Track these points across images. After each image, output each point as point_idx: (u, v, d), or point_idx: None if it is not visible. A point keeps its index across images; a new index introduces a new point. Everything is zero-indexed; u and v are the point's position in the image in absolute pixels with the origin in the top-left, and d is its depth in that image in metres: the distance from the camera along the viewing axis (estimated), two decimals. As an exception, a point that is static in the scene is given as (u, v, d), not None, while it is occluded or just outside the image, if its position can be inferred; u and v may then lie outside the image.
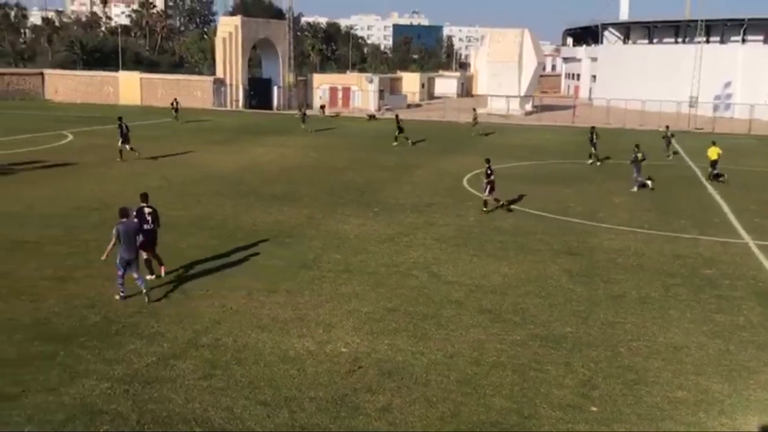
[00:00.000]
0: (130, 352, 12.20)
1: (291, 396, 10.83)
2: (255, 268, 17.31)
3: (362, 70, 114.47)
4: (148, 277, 15.90)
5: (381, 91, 77.59)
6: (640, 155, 29.84)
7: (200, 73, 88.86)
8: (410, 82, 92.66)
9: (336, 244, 19.73)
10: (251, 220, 22.38)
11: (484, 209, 24.40)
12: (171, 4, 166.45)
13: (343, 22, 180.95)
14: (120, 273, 14.63)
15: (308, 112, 58.47)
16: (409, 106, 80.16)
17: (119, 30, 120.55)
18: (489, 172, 24.51)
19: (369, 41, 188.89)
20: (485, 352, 12.71)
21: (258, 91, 72.15)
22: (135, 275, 14.67)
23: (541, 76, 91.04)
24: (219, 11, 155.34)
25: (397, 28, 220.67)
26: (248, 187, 27.92)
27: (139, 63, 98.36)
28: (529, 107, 73.59)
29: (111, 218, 21.72)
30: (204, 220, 22.21)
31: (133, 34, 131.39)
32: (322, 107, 68.16)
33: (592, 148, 37.54)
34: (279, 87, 73.22)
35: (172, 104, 58.13)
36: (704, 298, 16.00)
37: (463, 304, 15.20)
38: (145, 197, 16.39)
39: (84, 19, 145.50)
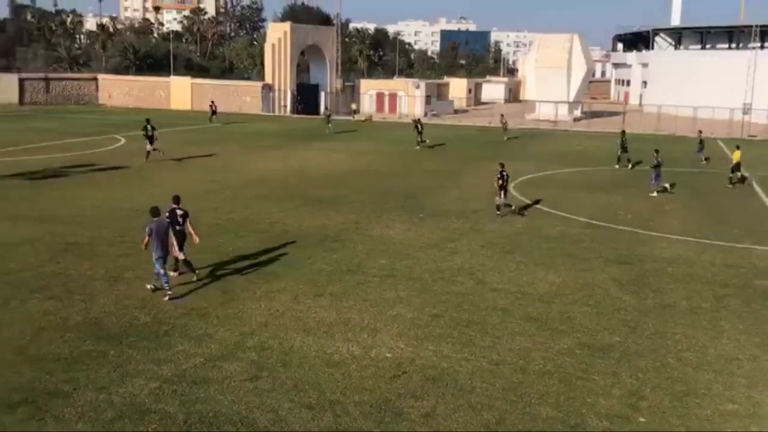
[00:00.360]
0: (178, 353, 12.39)
1: (335, 399, 10.88)
2: (301, 271, 17.44)
3: (409, 76, 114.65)
4: (194, 278, 16.20)
5: (428, 97, 77.56)
6: (660, 160, 30.11)
7: (249, 79, 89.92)
8: (457, 87, 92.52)
9: (381, 249, 19.77)
10: (298, 223, 22.56)
11: (498, 213, 24.39)
12: (222, 10, 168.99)
13: (391, 28, 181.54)
14: (161, 272, 15.07)
15: (355, 116, 58.71)
16: (455, 111, 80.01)
17: (171, 36, 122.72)
18: (501, 175, 24.45)
19: (416, 47, 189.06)
20: (531, 360, 12.60)
21: (305, 97, 72.73)
22: (161, 271, 15.10)
23: (591, 81, 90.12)
24: (269, 18, 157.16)
25: (445, 34, 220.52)
26: (295, 192, 28.16)
27: (190, 68, 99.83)
28: (577, 113, 72.81)
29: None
30: (252, 223, 22.47)
31: (184, 40, 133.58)
32: (355, 112, 68.62)
33: (621, 152, 38.22)
34: (326, 92, 73.71)
35: (210, 106, 60.10)
36: (757, 309, 15.62)
37: (509, 311, 15.09)
38: (177, 200, 16.70)
39: (137, 25, 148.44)
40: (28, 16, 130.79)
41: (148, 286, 15.51)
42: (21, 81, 72.78)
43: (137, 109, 70.70)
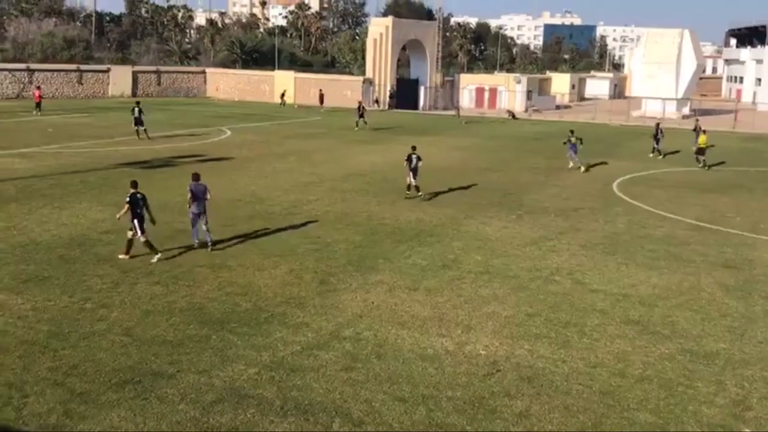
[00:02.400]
0: (276, 340, 12.71)
1: (429, 394, 10.90)
2: (397, 265, 17.55)
3: (510, 71, 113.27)
4: (154, 259, 17.11)
5: (529, 92, 76.43)
6: (573, 139, 34.17)
7: (350, 73, 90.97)
8: (560, 82, 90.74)
9: (477, 246, 19.65)
10: (394, 217, 22.69)
11: (407, 193, 25.68)
12: (326, 5, 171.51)
13: (493, 22, 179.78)
14: (194, 226, 18.18)
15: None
16: (557, 107, 78.53)
17: (276, 31, 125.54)
18: (409, 158, 25.59)
19: (519, 41, 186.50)
20: (630, 364, 12.25)
21: (405, 91, 72.94)
22: (204, 227, 18.07)
23: (701, 78, 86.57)
24: (371, 13, 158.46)
25: (548, 28, 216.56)
26: (392, 185, 28.31)
27: (293, 63, 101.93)
28: (686, 111, 70.10)
29: (263, 211, 22.80)
30: (349, 216, 22.75)
31: (289, 35, 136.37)
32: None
33: (655, 143, 39.71)
34: (426, 87, 73.71)
35: (281, 95, 68.26)
36: None
37: (608, 313, 14.72)
38: (134, 184, 17.37)
39: (244, 20, 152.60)
40: (143, 11, 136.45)
41: (195, 243, 18.24)
42: (135, 73, 76.08)
43: (242, 102, 72.68)
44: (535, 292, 15.86)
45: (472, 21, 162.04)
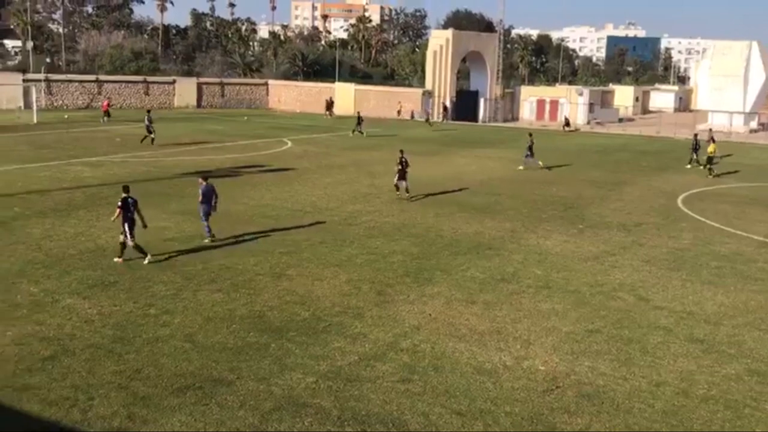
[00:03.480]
0: (334, 350, 12.77)
1: (486, 409, 10.80)
2: (454, 277, 17.47)
3: (572, 83, 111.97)
4: (145, 261, 17.61)
5: (591, 104, 75.41)
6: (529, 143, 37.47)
7: (410, 85, 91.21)
8: (623, 95, 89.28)
9: (537, 260, 19.43)
10: (452, 229, 22.61)
11: (397, 193, 27.42)
12: (386, 18, 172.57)
13: (555, 34, 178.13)
14: (205, 223, 19.65)
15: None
16: (620, 120, 77.27)
17: (337, 43, 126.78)
18: (400, 161, 27.40)
19: (581, 53, 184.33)
20: (695, 383, 11.93)
21: (464, 103, 72.77)
22: (205, 222, 19.68)
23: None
24: (431, 25, 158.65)
25: (611, 40, 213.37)
26: (451, 197, 28.24)
27: (353, 75, 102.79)
28: (754, 124, 68.21)
29: (322, 221, 22.99)
30: (407, 227, 22.76)
31: (349, 48, 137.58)
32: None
33: (693, 154, 40.20)
34: (486, 99, 73.41)
35: (327, 107, 69.55)
36: None
37: (672, 331, 14.37)
38: (126, 189, 18.26)
39: (306, 33, 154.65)
40: (208, 25, 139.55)
41: (205, 241, 19.59)
42: (199, 85, 77.75)
43: (303, 114, 73.54)
44: (596, 308, 15.59)
45: (534, 33, 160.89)
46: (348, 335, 13.50)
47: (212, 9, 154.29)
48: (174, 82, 76.62)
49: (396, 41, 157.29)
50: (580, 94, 75.72)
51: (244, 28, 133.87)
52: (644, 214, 26.31)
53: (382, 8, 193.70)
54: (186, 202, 25.24)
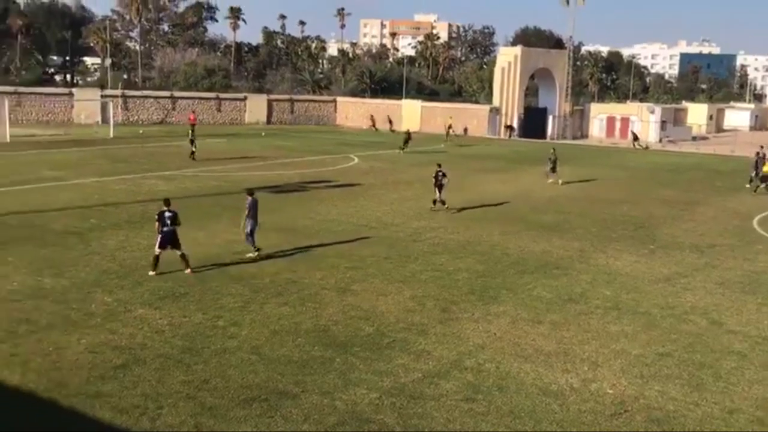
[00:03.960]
0: (398, 366, 12.76)
1: (552, 431, 10.62)
2: (520, 296, 17.28)
3: (643, 100, 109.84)
4: (187, 270, 18.02)
5: (663, 122, 73.82)
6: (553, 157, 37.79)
7: (477, 102, 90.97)
8: (696, 113, 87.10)
9: (606, 280, 19.06)
10: (519, 248, 22.39)
11: (433, 207, 27.81)
12: (454, 35, 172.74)
13: (626, 51, 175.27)
14: (251, 237, 19.52)
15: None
16: (694, 138, 75.40)
17: (405, 61, 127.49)
18: (436, 175, 27.84)
19: (652, 70, 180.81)
20: (771, 412, 11.48)
21: (532, 121, 72.16)
22: (248, 236, 19.57)
23: None
24: (500, 42, 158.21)
25: (684, 57, 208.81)
26: (518, 215, 27.99)
27: (420, 92, 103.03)
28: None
29: (387, 237, 23.07)
30: (473, 244, 22.63)
31: (417, 65, 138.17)
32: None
33: (753, 174, 38.37)
34: (554, 116, 72.65)
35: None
36: None
37: (747, 356, 13.88)
38: (167, 202, 18.45)
39: (374, 50, 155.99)
40: (278, 42, 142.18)
41: (248, 255, 19.50)
42: (270, 102, 79.21)
43: (370, 131, 74.03)
44: (667, 331, 15.19)
45: (604, 50, 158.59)
46: (412, 352, 13.48)
47: (283, 27, 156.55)
48: (245, 98, 78.28)
49: (463, 58, 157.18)
50: (652, 112, 74.23)
51: (313, 45, 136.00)
52: (718, 235, 25.56)
53: (450, 25, 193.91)
54: (254, 216, 25.66)
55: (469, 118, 73.57)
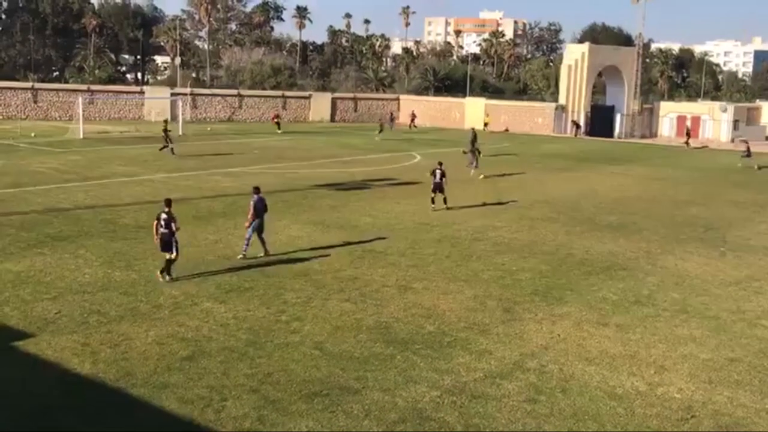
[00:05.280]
0: (459, 365, 12.71)
1: (616, 435, 10.43)
2: (585, 297, 17.00)
3: (715, 99, 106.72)
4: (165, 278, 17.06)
5: (735, 122, 71.57)
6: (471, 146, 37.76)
7: (542, 100, 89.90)
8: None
9: (674, 282, 18.59)
10: (584, 248, 22.03)
11: (432, 206, 26.99)
12: (520, 32, 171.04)
13: (698, 48, 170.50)
14: (249, 235, 19.01)
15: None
16: (767, 138, 72.93)
17: (469, 58, 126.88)
18: (433, 172, 27.05)
19: (725, 68, 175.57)
20: None
21: (599, 119, 70.90)
22: (261, 237, 19.22)
23: None
24: (566, 39, 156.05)
25: (760, 54, 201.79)
26: (583, 215, 27.54)
27: (484, 90, 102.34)
28: None
29: (449, 235, 22.99)
30: (537, 244, 22.37)
31: (481, 62, 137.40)
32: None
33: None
34: (622, 115, 71.22)
35: (411, 116, 70.89)
36: None
37: (824, 364, 13.36)
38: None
39: (438, 48, 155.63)
40: (343, 41, 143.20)
41: (239, 256, 19.02)
42: (333, 100, 79.86)
43: (433, 128, 73.89)
44: (737, 336, 14.74)
45: (675, 47, 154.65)
46: (473, 351, 13.41)
47: (348, 26, 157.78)
48: (310, 96, 79.09)
49: (529, 55, 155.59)
50: (724, 111, 72.03)
51: (378, 44, 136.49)
52: (794, 238, 24.68)
53: (515, 22, 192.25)
54: (318, 213, 25.95)
55: (534, 116, 72.78)
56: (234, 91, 76.52)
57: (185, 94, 69.66)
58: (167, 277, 17.06)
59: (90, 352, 12.74)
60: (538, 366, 12.83)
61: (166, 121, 43.73)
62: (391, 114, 73.71)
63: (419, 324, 14.76)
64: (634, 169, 44.24)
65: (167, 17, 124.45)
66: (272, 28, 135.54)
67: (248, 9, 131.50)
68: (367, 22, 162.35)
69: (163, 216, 16.94)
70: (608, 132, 69.70)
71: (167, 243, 16.97)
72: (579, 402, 11.43)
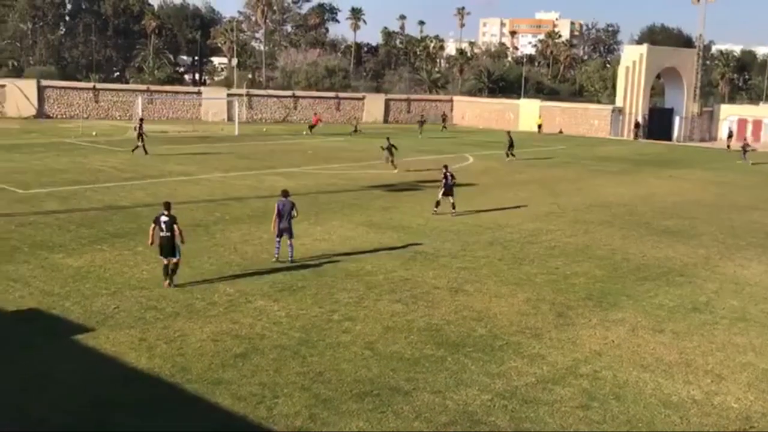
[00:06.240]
0: (510, 369, 12.62)
1: (671, 444, 10.23)
2: (641, 303, 16.71)
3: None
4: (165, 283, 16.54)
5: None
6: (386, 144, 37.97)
7: (598, 102, 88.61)
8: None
9: (733, 290, 18.14)
10: (640, 253, 21.64)
11: (435, 210, 26.33)
12: (576, 33, 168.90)
13: (761, 50, 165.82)
14: (277, 240, 18.59)
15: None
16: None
17: (524, 59, 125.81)
18: (444, 175, 26.44)
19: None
20: None
21: (657, 122, 69.59)
22: (288, 241, 18.68)
23: None
24: (624, 40, 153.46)
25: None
26: (640, 219, 27.06)
27: (539, 91, 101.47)
28: None
29: (502, 238, 22.84)
30: (591, 248, 22.06)
31: (536, 63, 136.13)
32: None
33: None
34: (681, 117, 69.78)
35: (442, 117, 68.68)
36: None
37: None
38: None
39: (493, 49, 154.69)
40: (397, 42, 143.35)
41: (273, 260, 18.68)
42: (387, 101, 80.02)
43: (486, 130, 73.50)
44: (800, 346, 14.31)
45: (736, 48, 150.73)
46: (525, 355, 13.30)
47: (402, 27, 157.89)
48: (363, 98, 79.41)
49: (586, 57, 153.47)
50: (787, 114, 70.03)
51: (432, 45, 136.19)
52: None
53: (572, 23, 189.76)
54: (370, 213, 26.04)
55: (590, 118, 71.80)
56: (289, 92, 77.31)
57: (241, 95, 70.63)
58: (170, 284, 16.44)
59: (147, 347, 13.03)
60: (592, 372, 12.66)
61: (141, 120, 42.87)
62: (444, 114, 73.31)
63: (470, 327, 14.70)
64: (692, 172, 43.29)
65: (224, 19, 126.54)
66: (327, 29, 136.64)
67: (304, 10, 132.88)
68: (421, 23, 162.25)
69: (164, 219, 16.31)
70: (667, 135, 68.43)
71: (171, 247, 16.28)
72: (633, 409, 11.24)
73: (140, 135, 40.07)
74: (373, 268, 18.74)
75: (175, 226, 16.36)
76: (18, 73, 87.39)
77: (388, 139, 39.47)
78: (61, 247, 19.54)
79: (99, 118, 64.47)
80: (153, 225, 16.64)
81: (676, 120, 69.73)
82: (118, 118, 64.85)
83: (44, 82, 66.63)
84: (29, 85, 64.88)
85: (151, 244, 16.84)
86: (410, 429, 10.39)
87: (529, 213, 27.56)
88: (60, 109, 64.77)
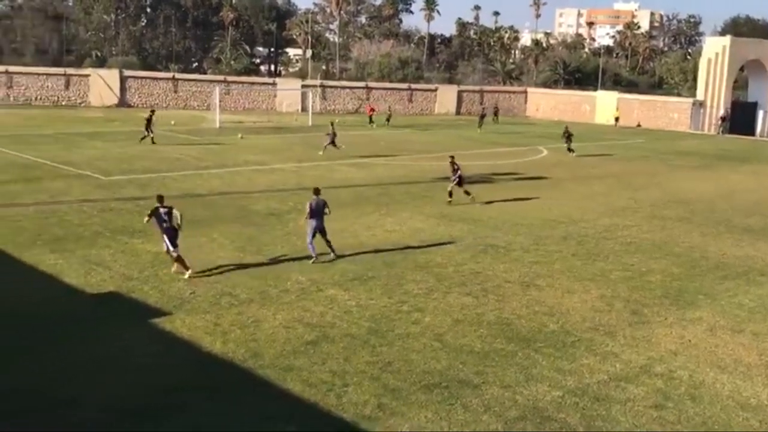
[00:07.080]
0: (582, 366, 12.42)
1: (749, 448, 9.91)
2: (719, 303, 16.20)
3: None
4: (186, 275, 16.43)
5: None
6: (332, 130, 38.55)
7: (678, 95, 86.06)
8: None
9: (820, 291, 17.40)
10: (719, 251, 20.97)
11: (449, 200, 26.08)
12: (657, 24, 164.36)
13: None
14: (310, 239, 17.87)
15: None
16: None
17: (602, 51, 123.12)
18: (453, 168, 26.20)
19: None
20: None
21: (740, 116, 67.13)
22: (325, 239, 18.08)
23: None
24: (706, 31, 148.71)
25: None
26: (720, 216, 26.21)
27: (617, 83, 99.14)
28: None
29: (576, 233, 22.47)
30: (668, 245, 21.49)
31: (614, 55, 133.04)
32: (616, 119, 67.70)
33: None
34: (765, 112, 67.15)
35: (482, 116, 62.10)
36: None
37: None
38: (160, 199, 16.62)
39: (569, 40, 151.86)
40: (471, 33, 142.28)
41: (314, 257, 17.94)
42: (459, 93, 79.51)
43: (561, 122, 72.31)
44: None
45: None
46: (598, 353, 13.06)
47: (477, 18, 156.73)
48: (436, 89, 79.14)
49: (666, 48, 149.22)
50: None
51: (506, 36, 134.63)
52: None
53: (652, 14, 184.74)
54: (441, 205, 25.96)
55: (669, 111, 69.83)
56: (362, 84, 77.64)
57: (315, 86, 71.31)
58: (189, 272, 16.51)
59: (221, 332, 13.34)
60: (667, 371, 12.35)
61: (152, 111, 42.68)
62: (496, 106, 72.08)
63: (542, 322, 14.53)
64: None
65: (300, 11, 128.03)
66: (401, 20, 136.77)
67: (378, 2, 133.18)
68: (496, 14, 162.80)
69: (163, 210, 16.39)
70: (750, 129, 65.95)
71: (175, 238, 16.48)
72: (709, 411, 10.93)
73: (148, 124, 39.66)
74: (443, 260, 18.70)
75: (175, 211, 16.55)
76: (101, 63, 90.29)
77: (332, 124, 40.15)
78: (141, 233, 20.13)
79: (178, 107, 66.15)
80: (148, 216, 16.63)
81: (760, 114, 67.10)
82: (196, 107, 66.41)
83: (126, 72, 68.76)
84: (112, 75, 67.05)
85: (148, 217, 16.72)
86: (479, 422, 10.34)
87: (605, 207, 27.01)
88: (141, 98, 66.69)
